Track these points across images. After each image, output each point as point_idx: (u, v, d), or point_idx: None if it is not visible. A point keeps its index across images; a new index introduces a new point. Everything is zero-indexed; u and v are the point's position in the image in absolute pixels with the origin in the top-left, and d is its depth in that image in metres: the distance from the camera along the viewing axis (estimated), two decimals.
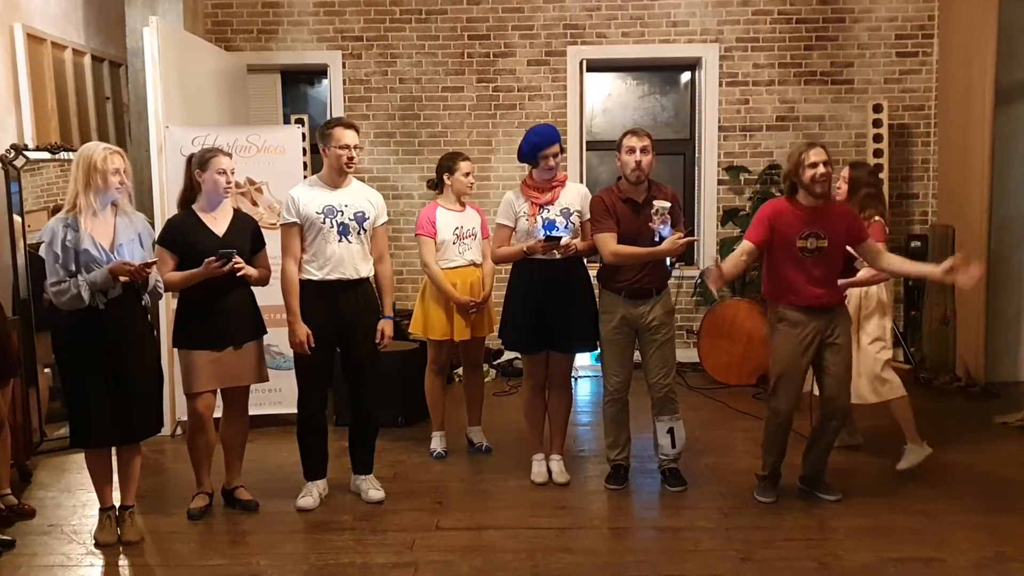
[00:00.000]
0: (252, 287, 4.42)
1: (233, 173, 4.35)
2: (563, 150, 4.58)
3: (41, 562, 3.88)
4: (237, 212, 4.48)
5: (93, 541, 4.09)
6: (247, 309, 4.39)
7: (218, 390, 4.39)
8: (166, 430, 5.39)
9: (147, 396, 4.09)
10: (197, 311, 4.27)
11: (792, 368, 4.34)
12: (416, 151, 7.77)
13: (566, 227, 4.52)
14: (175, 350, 4.42)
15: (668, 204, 4.29)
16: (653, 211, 4.28)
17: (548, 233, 4.44)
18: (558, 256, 4.45)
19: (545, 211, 4.54)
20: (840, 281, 4.45)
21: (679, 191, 7.89)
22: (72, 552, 3.98)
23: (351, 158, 4.33)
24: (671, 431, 4.63)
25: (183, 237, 4.25)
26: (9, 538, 4.05)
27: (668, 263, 4.61)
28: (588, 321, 4.64)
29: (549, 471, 4.77)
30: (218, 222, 4.33)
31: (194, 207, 4.35)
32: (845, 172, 4.91)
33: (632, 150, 4.39)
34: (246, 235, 4.38)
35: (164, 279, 4.18)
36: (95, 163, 3.85)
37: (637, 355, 4.65)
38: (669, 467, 4.68)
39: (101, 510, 4.15)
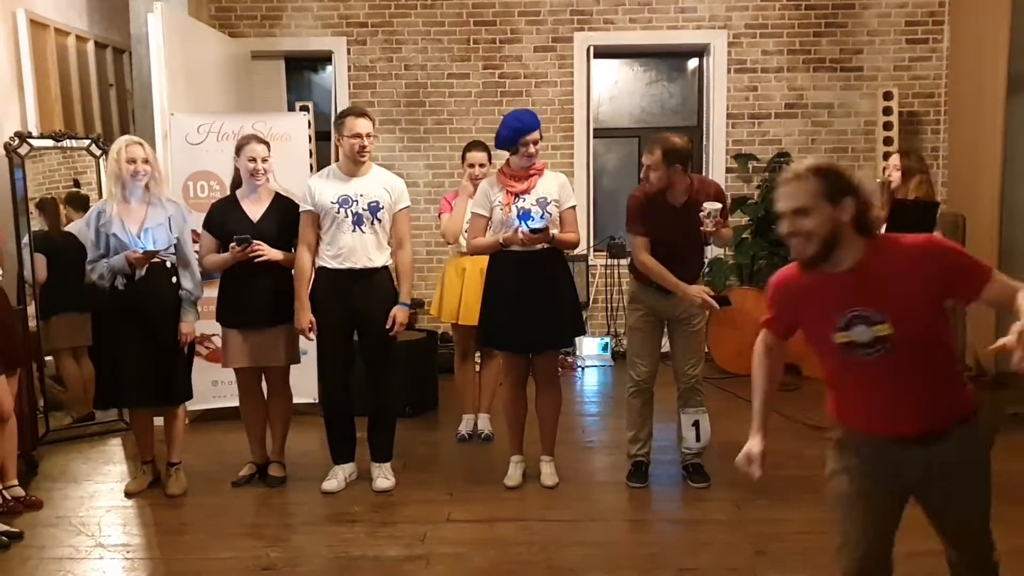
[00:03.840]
0: (291, 271, 4.51)
1: (264, 161, 4.48)
2: (541, 138, 4.39)
3: (49, 554, 3.85)
4: (277, 197, 4.59)
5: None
6: (279, 292, 4.47)
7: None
8: None
9: (170, 366, 4.39)
10: (231, 292, 4.52)
11: (853, 533, 2.63)
12: (422, 138, 7.71)
13: (542, 217, 4.29)
14: None
15: (719, 206, 4.13)
16: (704, 214, 4.12)
17: (525, 223, 4.20)
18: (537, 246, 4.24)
19: (520, 200, 4.32)
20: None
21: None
22: (80, 544, 3.95)
23: (363, 147, 4.32)
24: (696, 424, 4.56)
25: (220, 221, 4.49)
26: (17, 530, 4.01)
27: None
28: (570, 312, 4.49)
29: (525, 473, 4.62)
30: (255, 207, 4.52)
31: (237, 192, 4.57)
32: (896, 160, 4.82)
33: (644, 166, 4.35)
34: (280, 220, 4.48)
35: (204, 262, 4.51)
36: (114, 155, 4.30)
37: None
38: (692, 462, 4.61)
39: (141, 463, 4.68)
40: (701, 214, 4.12)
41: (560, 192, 4.40)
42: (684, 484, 4.58)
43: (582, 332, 4.60)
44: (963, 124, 6.95)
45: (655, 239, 4.38)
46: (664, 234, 4.32)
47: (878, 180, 4.94)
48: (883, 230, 4.54)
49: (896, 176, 4.81)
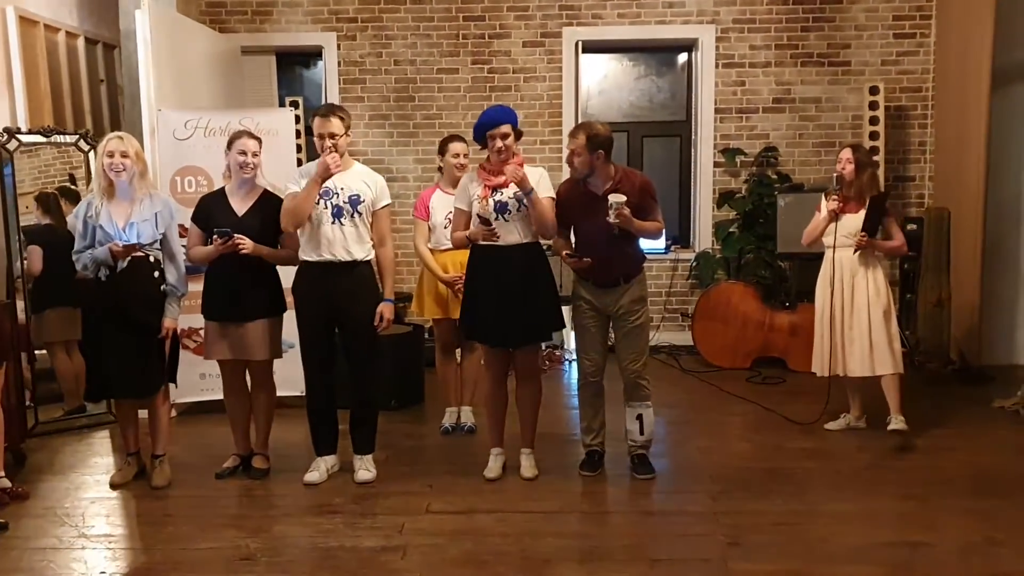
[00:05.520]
0: (278, 266, 4.61)
1: (255, 156, 4.53)
2: (520, 135, 4.42)
3: (33, 544, 3.89)
4: (265, 192, 4.65)
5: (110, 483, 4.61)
6: (260, 287, 4.54)
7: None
8: None
9: (150, 356, 4.46)
10: (214, 285, 4.58)
11: None
12: (411, 133, 7.75)
13: (519, 210, 4.34)
14: None
15: (623, 198, 4.23)
16: (608, 205, 4.23)
17: (481, 217, 4.32)
18: (497, 240, 4.31)
19: (498, 194, 4.35)
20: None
21: (674, 173, 7.93)
22: (64, 535, 3.99)
23: (325, 147, 4.33)
24: (640, 417, 4.60)
25: (207, 214, 4.54)
26: (3, 521, 4.06)
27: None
28: (550, 306, 4.52)
29: (506, 466, 4.67)
30: (242, 202, 4.58)
31: (226, 187, 4.64)
32: (849, 154, 5.04)
33: (568, 152, 4.44)
34: (266, 215, 4.52)
35: (189, 254, 4.58)
36: (98, 149, 4.43)
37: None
38: (637, 453, 4.65)
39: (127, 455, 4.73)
40: (607, 205, 4.23)
41: (537, 184, 4.39)
42: (662, 477, 4.61)
43: (561, 326, 4.63)
44: (949, 118, 6.98)
45: (578, 230, 4.52)
46: (584, 222, 4.44)
47: (835, 174, 5.10)
48: (856, 220, 4.89)
49: (850, 169, 5.00)
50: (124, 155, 4.33)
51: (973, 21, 6.52)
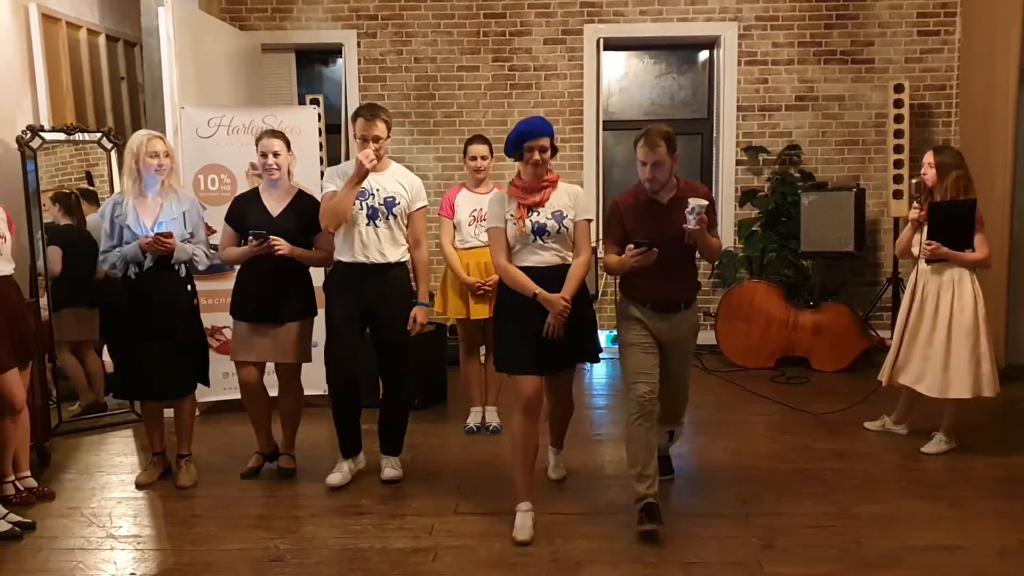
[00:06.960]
0: (310, 268, 4.59)
1: (276, 155, 4.47)
2: (555, 150, 3.97)
3: (61, 545, 3.88)
4: (299, 193, 4.59)
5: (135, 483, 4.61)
6: (293, 289, 4.52)
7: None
8: None
9: (180, 358, 4.47)
10: (246, 285, 4.53)
11: None
12: (431, 131, 7.72)
13: (558, 232, 3.95)
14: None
15: (705, 203, 3.77)
16: (688, 210, 3.77)
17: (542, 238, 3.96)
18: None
19: (535, 213, 3.95)
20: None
21: (696, 171, 7.90)
22: (92, 535, 3.98)
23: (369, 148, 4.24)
24: (671, 433, 4.50)
25: (240, 215, 4.52)
26: (30, 521, 4.05)
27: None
28: (591, 328, 4.18)
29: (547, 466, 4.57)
30: (276, 202, 4.53)
31: (259, 186, 4.61)
32: (929, 157, 4.78)
33: (643, 164, 3.87)
34: (300, 216, 4.48)
35: (223, 254, 4.56)
36: (132, 148, 4.35)
37: None
38: (659, 455, 4.45)
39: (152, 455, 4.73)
40: (685, 210, 3.77)
41: (575, 203, 4.03)
42: (691, 478, 4.60)
43: (595, 356, 4.35)
44: (974, 117, 6.91)
45: (635, 241, 3.87)
46: (645, 233, 3.88)
47: (914, 180, 4.88)
48: (924, 232, 4.67)
49: (931, 174, 4.72)
50: (166, 155, 4.37)
51: (999, 18, 6.46)
